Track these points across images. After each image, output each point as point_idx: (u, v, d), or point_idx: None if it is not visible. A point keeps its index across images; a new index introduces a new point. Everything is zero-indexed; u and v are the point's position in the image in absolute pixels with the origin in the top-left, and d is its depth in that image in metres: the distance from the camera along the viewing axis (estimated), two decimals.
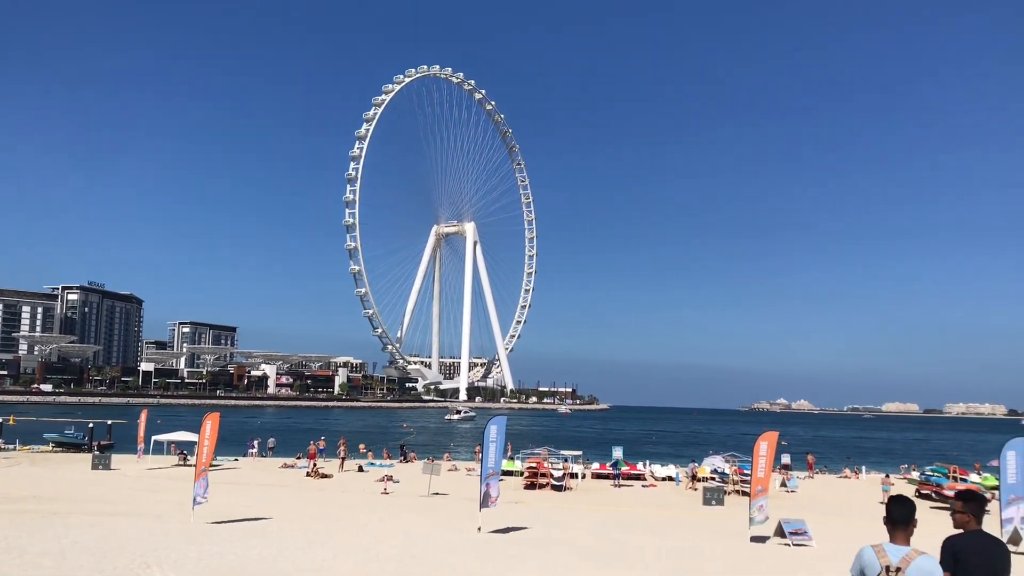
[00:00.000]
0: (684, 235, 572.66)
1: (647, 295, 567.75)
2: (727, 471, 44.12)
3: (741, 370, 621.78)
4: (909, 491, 43.59)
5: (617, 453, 48.49)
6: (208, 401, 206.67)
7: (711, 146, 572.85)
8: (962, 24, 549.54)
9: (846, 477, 53.65)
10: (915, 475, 50.19)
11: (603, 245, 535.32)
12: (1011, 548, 23.20)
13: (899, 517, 5.83)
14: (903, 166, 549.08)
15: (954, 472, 44.93)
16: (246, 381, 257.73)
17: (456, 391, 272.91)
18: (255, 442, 58.09)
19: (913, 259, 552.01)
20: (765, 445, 25.13)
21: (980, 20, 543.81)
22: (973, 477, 45.55)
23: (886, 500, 6.02)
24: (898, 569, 5.50)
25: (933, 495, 40.99)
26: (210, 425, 23.67)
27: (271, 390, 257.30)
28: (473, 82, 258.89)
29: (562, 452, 46.92)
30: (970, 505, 6.46)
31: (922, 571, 5.49)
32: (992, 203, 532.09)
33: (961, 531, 6.31)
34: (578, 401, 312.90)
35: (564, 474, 41.08)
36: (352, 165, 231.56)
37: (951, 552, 6.13)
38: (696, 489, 40.86)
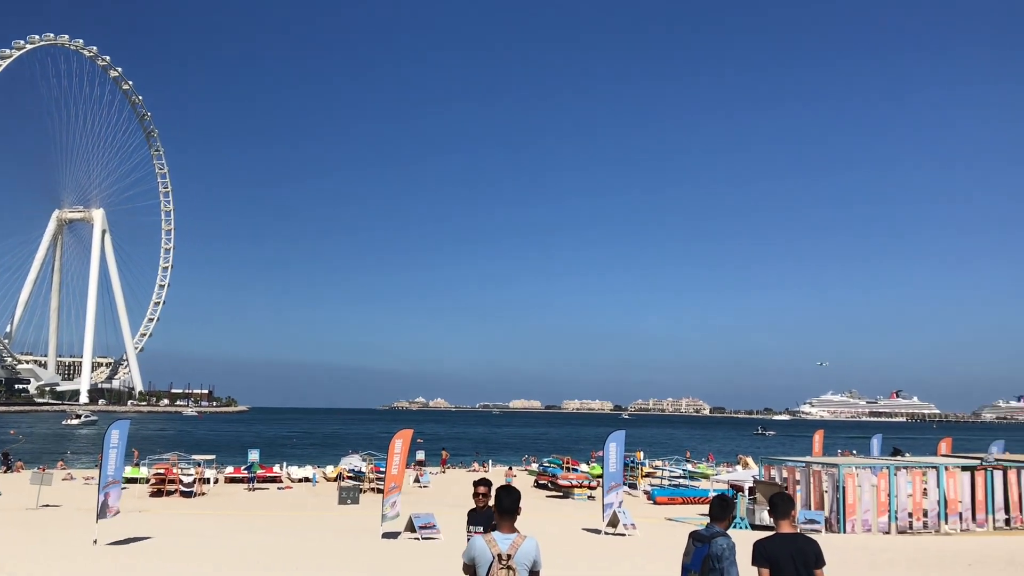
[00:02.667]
0: (323, 234, 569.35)
1: (288, 292, 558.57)
2: (364, 469, 44.91)
3: (381, 370, 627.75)
4: (529, 481, 47.33)
5: (253, 456, 47.30)
6: None
7: (355, 141, 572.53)
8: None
9: (475, 470, 56.84)
10: (534, 467, 54.54)
11: (244, 241, 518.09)
12: (610, 530, 26.10)
13: (507, 506, 6.20)
14: (533, 179, 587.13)
15: (567, 463, 49.42)
16: None
17: (77, 393, 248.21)
18: None
19: (535, 267, 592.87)
20: (400, 443, 25.98)
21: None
22: (583, 467, 50.45)
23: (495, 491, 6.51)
24: (508, 556, 5.91)
25: (549, 484, 44.82)
26: None
27: None
28: (108, 58, 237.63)
29: (193, 456, 44.87)
30: (480, 487, 8.94)
31: (528, 554, 6.03)
32: (617, 217, 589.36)
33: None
34: (214, 403, 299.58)
35: (195, 479, 39.37)
36: None
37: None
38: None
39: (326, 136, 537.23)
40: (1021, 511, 29.42)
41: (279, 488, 43.21)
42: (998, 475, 29.25)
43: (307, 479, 46.71)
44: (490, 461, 62.38)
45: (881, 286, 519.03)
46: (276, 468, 48.45)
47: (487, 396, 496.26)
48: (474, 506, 8.95)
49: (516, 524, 6.22)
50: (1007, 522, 29.05)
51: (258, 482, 43.31)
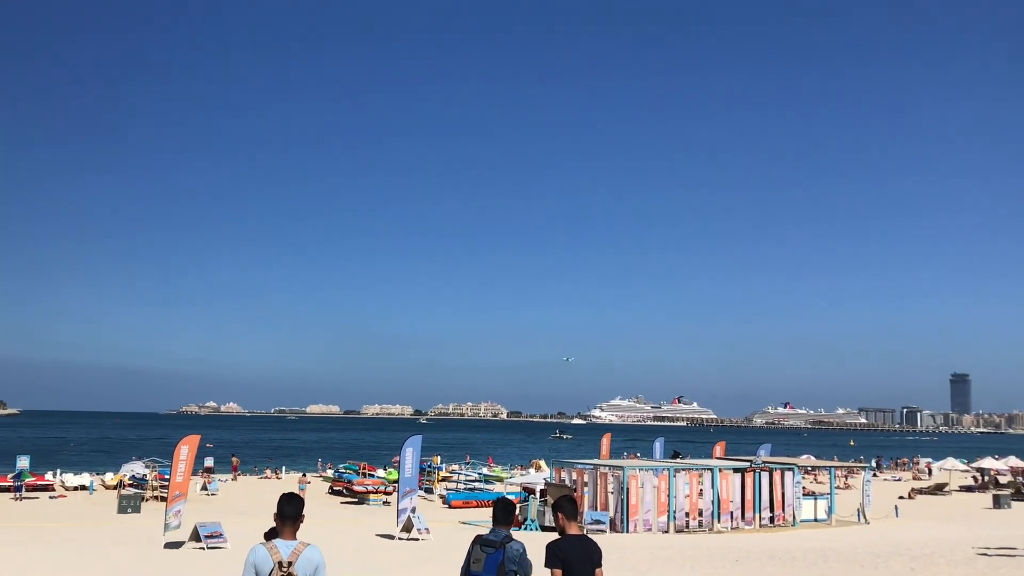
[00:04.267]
0: (110, 232, 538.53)
1: (66, 289, 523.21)
2: (147, 477, 42.77)
3: (168, 372, 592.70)
4: (324, 488, 46.63)
5: (22, 462, 43.82)
6: None
7: (133, 142, 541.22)
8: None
9: (267, 478, 55.25)
10: (330, 472, 53.75)
11: (20, 238, 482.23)
12: (404, 535, 26.15)
13: (289, 513, 6.07)
14: (389, 164, 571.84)
15: (364, 468, 49.05)
16: None
17: None
18: None
19: (335, 271, 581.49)
20: (186, 449, 24.98)
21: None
22: (379, 472, 50.26)
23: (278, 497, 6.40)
24: (289, 563, 5.81)
25: (344, 491, 44.32)
26: None
27: None
28: None
29: None
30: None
31: (310, 562, 5.95)
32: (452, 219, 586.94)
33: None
34: None
35: None
36: None
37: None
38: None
39: (107, 134, 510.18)
40: (784, 509, 32.06)
41: (51, 497, 40.38)
42: (765, 476, 31.74)
43: (84, 487, 43.87)
44: (283, 467, 60.84)
45: (666, 299, 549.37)
46: (49, 475, 45.14)
47: (283, 401, 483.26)
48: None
49: (308, 532, 6.19)
50: (771, 520, 31.57)
51: (27, 491, 40.28)
